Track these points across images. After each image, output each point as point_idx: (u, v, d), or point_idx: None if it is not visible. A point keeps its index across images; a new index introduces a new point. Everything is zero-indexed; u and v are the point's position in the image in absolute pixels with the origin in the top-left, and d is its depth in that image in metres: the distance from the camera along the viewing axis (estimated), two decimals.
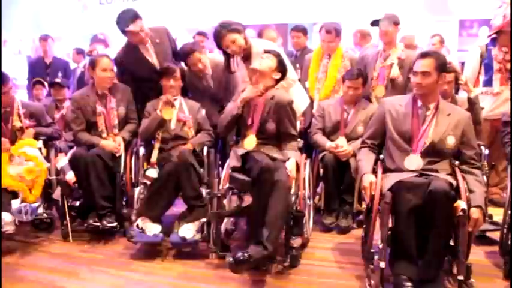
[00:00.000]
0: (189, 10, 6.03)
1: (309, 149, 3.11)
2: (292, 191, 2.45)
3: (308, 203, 2.74)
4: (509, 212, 2.40)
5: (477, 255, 2.47)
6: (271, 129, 2.59)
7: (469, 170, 2.20)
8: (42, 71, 4.80)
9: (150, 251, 2.62)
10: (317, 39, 3.80)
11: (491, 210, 2.80)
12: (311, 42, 4.56)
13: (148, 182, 2.69)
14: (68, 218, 2.75)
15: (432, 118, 2.24)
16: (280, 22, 5.39)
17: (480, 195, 2.09)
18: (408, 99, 2.32)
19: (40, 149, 2.84)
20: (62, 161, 2.77)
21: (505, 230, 2.38)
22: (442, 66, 2.22)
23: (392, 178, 2.15)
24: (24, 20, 6.84)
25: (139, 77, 3.20)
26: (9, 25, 6.72)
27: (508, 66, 3.27)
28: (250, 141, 2.56)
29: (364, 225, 2.35)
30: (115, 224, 2.76)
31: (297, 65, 3.48)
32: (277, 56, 2.63)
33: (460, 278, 1.98)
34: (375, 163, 2.33)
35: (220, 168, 2.71)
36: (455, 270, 2.04)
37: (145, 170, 2.76)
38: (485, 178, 2.55)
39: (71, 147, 3.10)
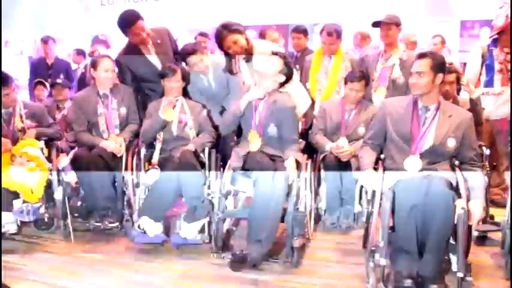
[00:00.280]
0: (190, 11, 6.04)
1: (310, 149, 3.11)
2: (294, 191, 2.46)
3: (309, 203, 2.74)
4: (511, 212, 2.40)
5: (479, 255, 2.47)
6: (273, 132, 2.60)
7: (469, 168, 2.23)
8: (44, 72, 4.81)
9: (151, 251, 2.62)
10: (318, 40, 3.80)
11: (492, 211, 2.80)
12: (312, 43, 4.57)
13: (150, 183, 2.70)
14: (69, 218, 2.75)
15: (432, 120, 2.25)
16: (281, 23, 5.40)
17: (479, 190, 2.14)
18: (409, 101, 2.33)
19: (42, 149, 2.84)
20: (64, 161, 2.78)
21: (507, 231, 2.39)
22: (439, 66, 2.23)
23: (393, 177, 2.17)
24: (25, 20, 6.86)
25: (141, 77, 3.21)
26: (11, 26, 6.73)
27: (509, 67, 3.26)
28: (254, 143, 2.57)
29: (365, 224, 2.36)
30: (116, 224, 2.76)
31: (297, 66, 3.48)
32: (284, 58, 2.63)
33: (460, 275, 1.99)
34: (376, 162, 2.34)
35: (222, 169, 2.71)
36: (455, 268, 2.05)
37: (146, 171, 2.76)
38: (486, 179, 2.56)
39: (72, 148, 3.10)
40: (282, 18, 5.60)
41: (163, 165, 2.74)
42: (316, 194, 3.04)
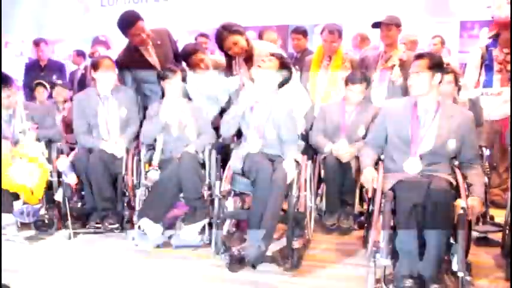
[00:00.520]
0: (190, 12, 6.04)
1: (311, 150, 3.11)
2: (294, 191, 2.46)
3: (309, 205, 2.74)
4: (511, 213, 2.41)
5: (479, 256, 2.47)
6: (272, 134, 2.61)
7: (469, 166, 2.25)
8: (37, 73, 4.75)
9: (152, 253, 2.62)
10: (318, 41, 3.80)
11: (492, 211, 2.80)
12: (311, 44, 4.57)
13: (150, 184, 2.70)
14: (69, 220, 2.76)
15: (432, 121, 2.25)
16: (281, 23, 5.40)
17: (478, 186, 2.16)
18: (408, 102, 2.33)
19: (42, 150, 2.84)
20: (64, 162, 2.78)
21: (507, 231, 2.39)
22: (437, 66, 2.23)
23: (393, 178, 2.18)
24: (25, 21, 6.86)
25: (141, 78, 3.21)
26: (11, 27, 6.73)
27: (509, 67, 3.26)
28: (253, 144, 2.58)
29: (365, 225, 2.36)
30: (116, 225, 2.77)
31: (297, 67, 3.48)
32: (280, 58, 2.63)
33: (461, 274, 2.00)
34: (376, 163, 2.35)
35: (222, 170, 2.72)
36: (455, 268, 2.05)
37: (146, 172, 2.77)
38: (486, 179, 2.56)
39: (72, 149, 3.10)
40: (282, 19, 5.60)
41: (163, 166, 2.75)
42: (316, 194, 3.04)
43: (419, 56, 2.28)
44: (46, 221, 2.86)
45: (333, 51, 3.34)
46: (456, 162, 2.26)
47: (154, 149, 2.88)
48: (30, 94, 4.39)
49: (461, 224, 2.01)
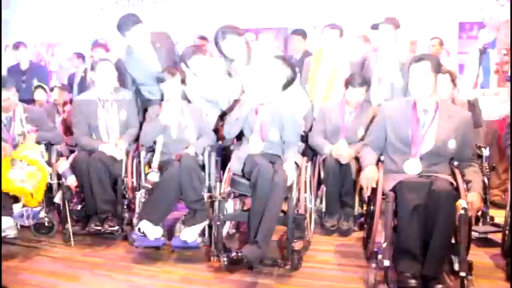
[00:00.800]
0: (190, 14, 6.06)
1: (310, 151, 3.12)
2: (294, 193, 2.46)
3: (309, 206, 2.74)
4: (511, 213, 2.41)
5: (479, 257, 2.47)
6: (275, 137, 2.61)
7: (467, 164, 2.27)
8: (18, 77, 4.57)
9: (152, 255, 2.62)
10: (317, 43, 3.80)
11: (492, 212, 2.80)
12: (311, 46, 4.58)
13: (150, 186, 2.70)
14: (69, 222, 2.76)
15: (432, 122, 2.25)
16: (280, 26, 5.42)
17: (477, 183, 2.18)
18: (407, 104, 2.34)
19: (41, 153, 2.84)
20: (64, 165, 2.78)
21: (507, 232, 2.39)
22: (437, 67, 2.24)
23: (394, 179, 2.19)
24: (25, 25, 6.87)
25: (140, 81, 3.22)
26: (11, 30, 6.75)
27: (505, 68, 3.28)
28: (256, 146, 2.58)
29: (366, 226, 2.36)
30: (116, 227, 2.76)
31: (296, 69, 3.48)
32: (285, 61, 2.64)
33: (462, 274, 2.00)
34: (377, 163, 2.35)
35: (222, 172, 2.72)
36: (456, 267, 2.06)
37: (146, 174, 2.77)
38: (486, 180, 2.57)
39: (72, 152, 3.10)
40: (281, 21, 5.62)
41: (163, 168, 2.75)
42: (316, 196, 3.04)
43: (420, 59, 2.25)
44: (46, 224, 2.87)
45: (333, 49, 3.34)
46: (455, 163, 2.27)
47: (154, 151, 2.88)
48: None
49: (462, 224, 2.02)
